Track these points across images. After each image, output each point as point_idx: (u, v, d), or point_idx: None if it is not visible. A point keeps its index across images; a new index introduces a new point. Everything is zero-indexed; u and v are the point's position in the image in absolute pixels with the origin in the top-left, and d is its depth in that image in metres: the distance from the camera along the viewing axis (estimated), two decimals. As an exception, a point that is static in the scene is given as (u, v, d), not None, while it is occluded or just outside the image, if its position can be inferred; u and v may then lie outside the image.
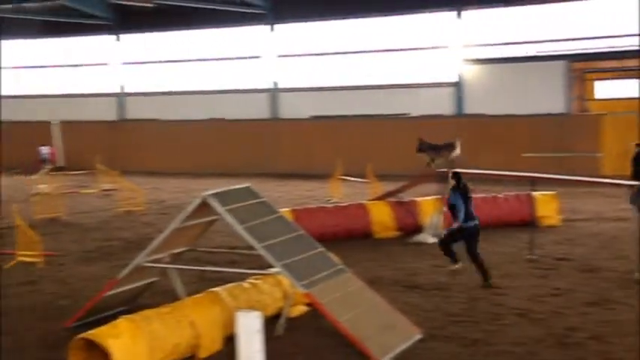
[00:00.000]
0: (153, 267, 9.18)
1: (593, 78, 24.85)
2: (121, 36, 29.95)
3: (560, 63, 24.15)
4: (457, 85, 25.54)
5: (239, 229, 8.33)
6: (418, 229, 14.46)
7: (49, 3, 28.88)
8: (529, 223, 13.44)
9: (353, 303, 8.36)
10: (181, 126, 28.31)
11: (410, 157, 25.30)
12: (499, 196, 15.72)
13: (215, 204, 8.40)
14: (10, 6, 28.65)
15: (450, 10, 25.29)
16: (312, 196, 20.82)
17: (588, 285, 10.56)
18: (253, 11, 27.07)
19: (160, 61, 29.53)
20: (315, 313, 8.93)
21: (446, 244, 11.13)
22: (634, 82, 23.88)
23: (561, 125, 23.69)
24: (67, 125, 29.60)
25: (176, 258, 9.75)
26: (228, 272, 10.89)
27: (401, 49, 26.21)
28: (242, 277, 9.97)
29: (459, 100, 25.58)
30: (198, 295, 8.71)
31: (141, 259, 8.91)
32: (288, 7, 27.03)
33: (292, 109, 27.43)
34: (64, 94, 31.03)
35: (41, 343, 8.63)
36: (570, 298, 9.92)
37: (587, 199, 19.05)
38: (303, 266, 8.42)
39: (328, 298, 8.14)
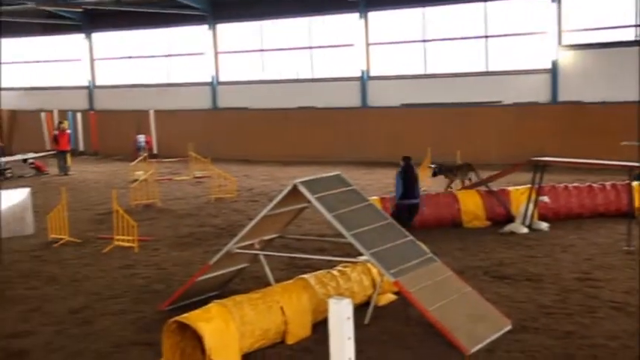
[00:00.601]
0: (243, 253, 9.29)
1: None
2: (216, 26, 30.48)
3: (661, 47, 23.01)
4: (552, 72, 24.73)
5: (328, 216, 8.31)
6: (509, 218, 14.11)
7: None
8: (627, 214, 12.87)
9: (442, 292, 8.22)
10: (271, 114, 28.60)
11: (501, 146, 24.73)
12: (594, 185, 15.15)
13: (305, 191, 8.41)
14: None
15: (544, -5, 24.49)
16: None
17: (692, 279, 10.03)
18: (345, -1, 27.06)
19: (252, 50, 29.86)
20: (403, 302, 8.85)
21: (397, 219, 10.98)
22: None
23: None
24: (161, 114, 30.38)
25: (266, 245, 9.84)
26: (317, 259, 10.99)
27: (494, 36, 25.59)
28: (331, 265, 10.00)
29: (554, 87, 24.77)
30: (287, 282, 8.76)
31: (232, 245, 9.03)
32: (378, -6, 26.87)
33: (382, 97, 27.24)
34: (160, 83, 31.83)
35: (136, 326, 8.89)
36: (672, 292, 9.46)
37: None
38: (392, 255, 8.34)
39: (417, 286, 8.04)
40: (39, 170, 25.26)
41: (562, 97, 24.83)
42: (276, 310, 7.98)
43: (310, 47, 28.64)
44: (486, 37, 25.80)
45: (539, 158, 14.10)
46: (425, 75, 26.79)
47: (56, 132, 25.82)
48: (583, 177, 18.04)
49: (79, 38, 33.60)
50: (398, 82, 27.15)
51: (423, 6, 26.42)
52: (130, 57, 32.59)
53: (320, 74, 28.52)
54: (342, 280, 8.98)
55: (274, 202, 8.73)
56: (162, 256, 12.62)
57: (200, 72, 30.81)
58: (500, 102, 25.54)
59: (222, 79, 30.50)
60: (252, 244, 9.28)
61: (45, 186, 21.74)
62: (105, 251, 12.97)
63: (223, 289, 10.03)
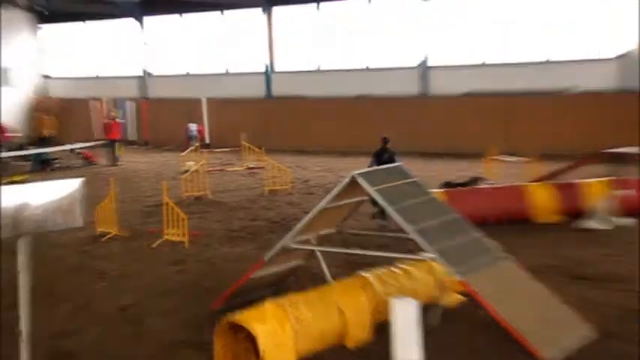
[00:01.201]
0: (299, 249, 9.15)
1: None
2: (271, 9, 30.49)
3: None
4: (621, 59, 23.98)
5: (389, 210, 8.10)
6: (584, 213, 13.63)
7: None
8: None
9: (514, 294, 7.93)
10: (328, 103, 28.48)
11: (574, 137, 24.07)
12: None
13: (364, 183, 8.22)
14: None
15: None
16: (464, 177, 20.24)
17: None
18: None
19: (309, 38, 29.78)
20: (471, 304, 8.58)
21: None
22: None
23: None
24: (214, 102, 30.55)
25: (323, 240, 9.70)
26: (377, 256, 10.79)
27: (558, 23, 24.96)
28: (392, 262, 9.80)
29: (625, 74, 23.99)
30: (346, 280, 8.59)
31: (287, 240, 8.91)
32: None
33: (443, 85, 26.85)
34: (213, 72, 32.04)
35: (187, 325, 8.84)
36: None
37: None
38: (459, 252, 8.08)
39: (487, 287, 7.76)
40: (88, 160, 25.68)
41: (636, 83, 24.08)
42: (334, 310, 7.83)
43: (369, 34, 28.42)
44: (550, 23, 25.20)
45: (614, 150, 13.60)
46: (489, 63, 26.29)
47: (106, 121, 26.19)
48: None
49: (131, 25, 34.04)
50: (460, 70, 26.73)
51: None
52: (183, 44, 32.88)
53: (378, 63, 28.28)
54: (404, 278, 8.79)
55: (332, 194, 8.56)
56: (213, 252, 12.60)
57: (254, 60, 30.90)
58: (570, 89, 24.91)
59: (277, 67, 30.51)
60: (308, 240, 9.13)
61: (93, 177, 22.06)
62: (154, 246, 13.02)
63: (278, 288, 9.93)
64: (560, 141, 23.91)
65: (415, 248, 9.08)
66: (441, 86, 26.87)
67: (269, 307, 7.49)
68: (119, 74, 34.40)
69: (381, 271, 8.93)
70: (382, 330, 7.69)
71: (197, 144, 24.78)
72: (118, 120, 26.48)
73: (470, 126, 25.62)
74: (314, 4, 29.52)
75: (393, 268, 9.03)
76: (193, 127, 29.33)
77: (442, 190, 14.38)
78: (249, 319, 7.21)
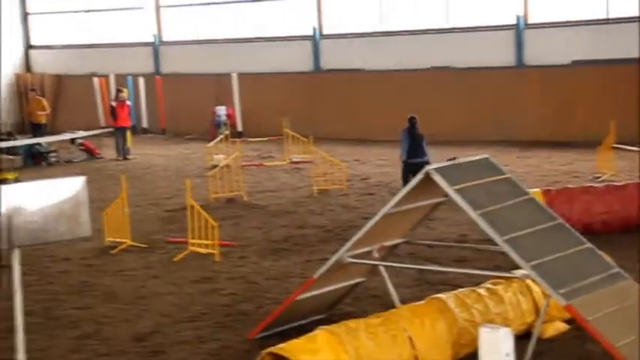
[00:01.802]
0: (358, 264, 9.31)
1: None
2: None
3: None
4: None
5: (473, 215, 8.21)
6: None
7: None
8: None
9: (633, 321, 7.97)
10: (393, 78, 28.45)
11: None
12: None
13: (441, 181, 8.34)
14: None
15: None
16: (571, 172, 20.21)
17: None
18: None
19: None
20: (578, 334, 8.64)
21: (404, 179, 16.59)
22: None
23: None
24: (247, 78, 30.76)
25: (388, 253, 9.84)
26: (457, 273, 10.89)
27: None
28: (475, 281, 9.90)
29: None
30: (417, 303, 8.73)
31: (342, 253, 9.07)
32: None
33: (544, 52, 26.63)
34: (245, 37, 32.22)
35: (218, 358, 9.09)
36: None
37: None
38: (563, 268, 8.16)
39: (598, 313, 7.83)
40: (90, 153, 26.24)
41: None
42: (402, 340, 7.98)
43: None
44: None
45: None
46: (602, 20, 25.95)
47: (113, 103, 26.70)
48: None
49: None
50: (566, 31, 26.40)
51: None
52: (206, 3, 33.18)
53: (457, 21, 28.12)
54: (491, 301, 8.88)
55: (399, 195, 8.70)
56: (250, 267, 12.85)
57: (297, 22, 30.96)
58: None
59: (326, 29, 30.59)
60: (369, 252, 9.29)
61: (99, 174, 22.57)
62: (177, 259, 13.34)
63: (331, 312, 10.11)
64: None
65: (505, 264, 9.17)
66: (541, 53, 26.61)
67: (321, 335, 7.68)
68: (127, 41, 34.78)
69: (462, 292, 9.03)
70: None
71: (227, 132, 25.11)
72: (127, 102, 26.96)
73: (580, 104, 25.36)
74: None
75: (476, 289, 9.13)
76: (222, 110, 29.62)
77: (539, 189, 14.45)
78: (297, 350, 7.41)
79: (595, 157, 20.30)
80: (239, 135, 28.28)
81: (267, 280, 12.05)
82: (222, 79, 31.06)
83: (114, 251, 13.93)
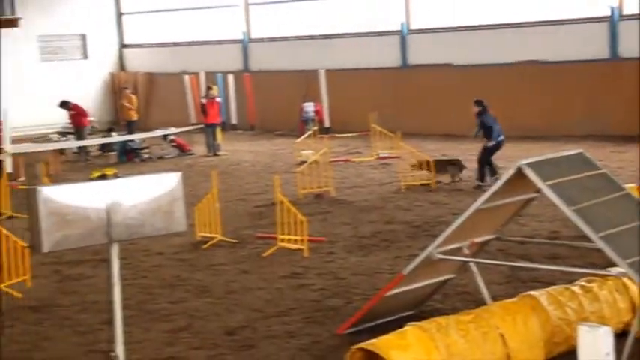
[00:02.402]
0: (448, 260, 9.25)
1: None
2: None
3: None
4: None
5: (567, 211, 8.07)
6: None
7: None
8: None
9: None
10: (480, 72, 28.19)
11: None
12: None
13: (533, 176, 8.22)
14: None
15: None
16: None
17: None
18: None
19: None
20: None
21: (486, 162, 18.30)
22: None
23: None
24: (335, 74, 30.84)
25: (478, 249, 9.75)
26: (549, 270, 10.74)
27: None
28: (569, 278, 9.74)
29: None
30: (509, 300, 8.64)
31: (432, 249, 9.02)
32: None
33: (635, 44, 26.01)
34: (332, 34, 32.32)
35: (308, 353, 9.14)
36: None
37: None
38: (661, 266, 7.95)
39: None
40: (181, 149, 26.63)
41: None
42: (494, 338, 7.90)
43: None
44: None
45: None
46: None
47: (203, 100, 27.05)
48: None
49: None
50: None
51: None
52: (294, 0, 33.32)
53: (545, 14, 27.67)
54: (586, 299, 8.74)
55: (491, 191, 8.61)
56: (339, 262, 12.88)
57: (385, 17, 30.90)
58: None
59: (414, 24, 30.46)
60: (459, 249, 9.22)
61: (190, 170, 22.90)
62: (266, 254, 13.45)
63: (421, 308, 10.07)
64: None
65: (600, 261, 9.00)
66: (634, 46, 25.99)
67: (412, 331, 7.65)
68: (217, 39, 35.18)
69: (556, 289, 8.90)
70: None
71: (315, 128, 25.20)
72: (217, 99, 27.28)
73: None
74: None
75: (570, 286, 8.99)
76: (310, 106, 29.73)
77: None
78: (388, 346, 7.39)
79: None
80: (327, 131, 28.32)
81: (356, 276, 12.06)
82: (310, 75, 31.19)
83: (205, 246, 14.11)
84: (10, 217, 16.79)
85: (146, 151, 26.31)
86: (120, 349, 6.58)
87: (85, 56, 37.22)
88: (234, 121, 33.09)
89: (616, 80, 26.03)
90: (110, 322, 6.68)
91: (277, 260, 13.09)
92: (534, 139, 24.98)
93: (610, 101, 25.97)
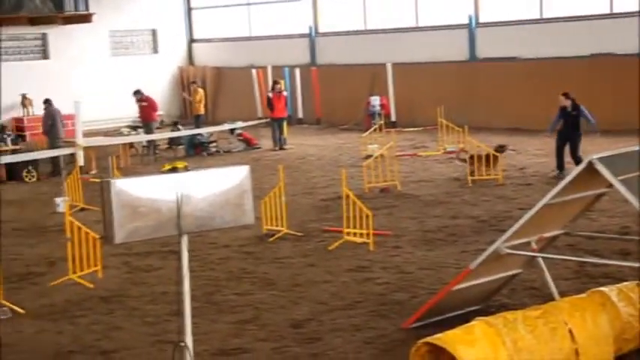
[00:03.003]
0: (515, 255, 9.17)
1: None
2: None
3: None
4: None
5: (638, 206, 7.93)
6: None
7: None
8: None
9: None
10: (551, 66, 27.81)
11: None
12: None
13: (605, 171, 8.08)
14: None
15: None
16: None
17: None
18: None
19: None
20: None
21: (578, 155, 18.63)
22: None
23: None
24: (401, 68, 30.74)
25: (546, 244, 9.66)
26: (619, 266, 10.57)
27: None
28: (638, 275, 9.58)
29: None
30: (578, 296, 8.53)
31: (499, 244, 8.95)
32: None
33: None
34: (399, 27, 32.20)
35: (373, 346, 9.15)
36: None
37: None
38: None
39: None
40: (248, 143, 26.80)
41: None
42: (562, 334, 7.80)
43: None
44: None
45: None
46: None
47: (270, 94, 27.18)
48: None
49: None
50: None
51: None
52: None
53: (616, 9, 27.21)
54: (657, 296, 8.57)
55: (560, 185, 8.50)
56: (404, 257, 12.85)
57: (453, 10, 30.70)
58: None
59: (482, 18, 30.21)
60: (528, 244, 9.14)
61: (257, 163, 23.03)
62: (332, 248, 13.47)
63: (487, 303, 10.00)
64: None
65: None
66: None
67: (478, 326, 7.59)
68: (284, 33, 35.34)
69: (626, 286, 8.76)
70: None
71: (381, 122, 25.15)
72: (284, 93, 27.39)
73: None
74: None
75: (641, 283, 8.83)
76: (376, 100, 29.70)
77: None
78: (454, 341, 7.35)
79: None
80: (393, 125, 28.30)
81: (421, 270, 12.03)
82: (377, 69, 31.15)
83: (271, 239, 14.19)
84: (82, 209, 17.11)
85: (214, 144, 26.54)
86: (188, 339, 6.66)
87: (155, 51, 37.68)
88: (300, 115, 33.22)
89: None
90: (178, 313, 6.76)
91: (343, 254, 13.10)
92: (605, 133, 24.54)
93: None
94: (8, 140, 24.80)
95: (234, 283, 11.89)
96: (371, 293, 11.04)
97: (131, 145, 26.00)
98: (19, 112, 32.53)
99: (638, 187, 8.02)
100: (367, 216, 13.39)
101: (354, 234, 13.67)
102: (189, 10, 38.72)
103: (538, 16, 28.95)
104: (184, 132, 26.87)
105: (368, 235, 13.42)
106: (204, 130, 27.12)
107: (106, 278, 12.28)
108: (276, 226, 14.46)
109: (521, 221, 8.84)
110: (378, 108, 29.32)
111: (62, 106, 24.12)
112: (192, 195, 6.70)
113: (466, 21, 30.26)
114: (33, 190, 20.91)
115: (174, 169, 19.85)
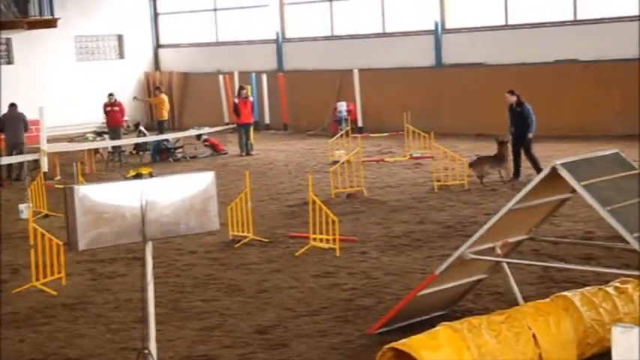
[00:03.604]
0: (480, 260, 9.21)
1: None
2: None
3: None
4: None
5: (601, 211, 8.01)
6: None
7: None
8: None
9: None
10: (517, 72, 27.98)
11: None
12: None
13: (568, 176, 8.16)
14: None
15: None
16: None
17: None
18: None
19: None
20: None
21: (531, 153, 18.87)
22: None
23: None
24: (368, 74, 30.77)
25: (511, 249, 9.70)
26: (583, 271, 10.66)
27: None
28: (602, 280, 9.66)
29: None
30: (542, 301, 8.59)
31: (465, 249, 8.99)
32: None
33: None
34: (366, 33, 32.25)
35: (339, 352, 9.14)
36: None
37: None
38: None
39: None
40: (215, 149, 26.71)
41: None
42: (526, 338, 7.86)
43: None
44: None
45: None
46: None
47: (236, 100, 27.11)
48: None
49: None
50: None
51: None
52: (328, 0, 33.29)
53: (584, 13, 27.45)
54: (620, 300, 8.66)
55: (524, 191, 8.56)
56: (371, 262, 12.85)
57: (419, 17, 30.79)
58: None
59: (448, 25, 30.34)
60: (492, 249, 9.18)
61: (223, 169, 22.97)
62: (298, 254, 13.45)
63: (452, 308, 10.03)
64: None
65: (635, 262, 8.89)
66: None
67: (443, 331, 7.62)
68: (250, 39, 35.23)
69: (589, 290, 8.82)
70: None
71: (347, 127, 25.20)
72: (250, 98, 27.34)
73: None
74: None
75: (604, 287, 8.91)
76: (343, 106, 29.74)
77: None
78: (419, 346, 7.37)
79: None
80: (360, 131, 28.31)
81: (388, 276, 12.03)
82: (344, 75, 31.19)
83: (237, 245, 14.14)
84: (46, 216, 16.96)
85: (180, 150, 26.43)
86: (152, 346, 6.63)
87: (121, 56, 37.43)
88: (267, 120, 33.14)
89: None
90: (143, 320, 6.73)
91: (309, 259, 13.08)
92: (570, 138, 24.81)
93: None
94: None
95: (199, 289, 11.84)
96: (337, 299, 11.04)
97: (96, 150, 25.79)
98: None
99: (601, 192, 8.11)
100: (333, 221, 13.39)
101: (321, 240, 13.65)
102: (155, 15, 38.51)
103: (504, 23, 29.15)
104: (150, 137, 26.73)
105: (334, 240, 13.41)
106: (170, 136, 27.01)
107: (70, 285, 12.17)
108: (243, 232, 14.41)
109: (486, 226, 8.89)
110: (344, 114, 29.35)
111: (27, 112, 23.85)
112: (156, 201, 6.68)
113: (432, 27, 30.38)
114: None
115: (138, 176, 19.70)
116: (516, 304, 8.89)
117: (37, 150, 22.15)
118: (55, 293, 11.76)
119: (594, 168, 8.44)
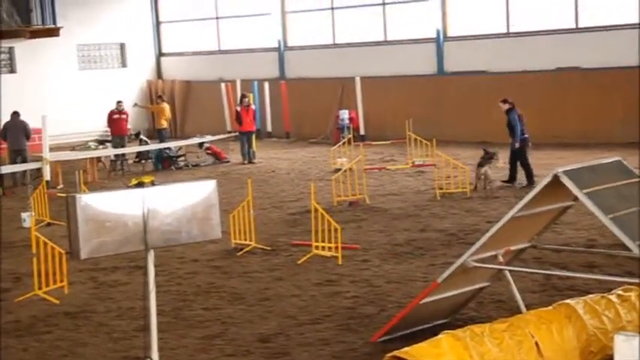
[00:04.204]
0: (483, 268, 9.20)
1: None
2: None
3: None
4: None
5: (604, 219, 8.00)
6: None
7: None
8: None
9: None
10: (518, 80, 28.02)
11: None
12: None
13: (570, 184, 8.15)
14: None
15: None
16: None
17: None
18: None
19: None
20: None
21: (522, 161, 19.14)
22: None
23: None
24: (370, 82, 30.82)
25: (513, 257, 9.70)
26: (585, 279, 10.65)
27: None
28: (605, 287, 9.65)
29: None
30: (544, 309, 8.58)
31: (466, 257, 8.98)
32: None
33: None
34: (368, 41, 32.31)
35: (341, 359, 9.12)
36: None
37: None
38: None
39: None
40: (217, 157, 26.73)
41: None
42: (529, 346, 7.85)
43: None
44: None
45: None
46: None
47: (238, 108, 27.13)
48: None
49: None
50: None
51: None
52: (330, 8, 33.34)
53: (584, 23, 27.48)
54: (623, 309, 8.66)
55: (527, 198, 8.56)
56: (373, 270, 12.85)
57: (421, 25, 30.82)
58: None
59: (450, 33, 30.37)
60: (494, 257, 9.17)
61: (225, 177, 22.98)
62: (300, 262, 13.45)
63: (455, 317, 10.02)
64: None
65: (638, 270, 8.89)
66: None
67: (446, 340, 7.61)
68: (252, 47, 35.29)
69: (592, 298, 8.81)
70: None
71: (349, 135, 25.20)
72: (252, 107, 27.36)
73: None
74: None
75: (607, 295, 8.91)
76: (345, 114, 29.75)
77: None
78: (422, 354, 7.36)
79: None
80: (362, 138, 28.33)
81: (390, 284, 12.03)
82: (346, 82, 31.22)
83: (239, 253, 14.14)
84: (49, 224, 16.96)
85: (182, 158, 26.45)
86: (155, 355, 6.62)
87: (124, 65, 37.47)
88: (269, 128, 33.15)
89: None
90: (145, 328, 6.72)
91: (311, 268, 13.08)
92: (572, 146, 24.81)
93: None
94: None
95: (202, 297, 11.83)
96: (339, 307, 11.03)
97: (99, 159, 25.81)
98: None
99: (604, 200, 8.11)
100: (336, 230, 13.39)
101: (323, 248, 13.65)
102: (157, 23, 38.58)
103: (505, 31, 29.17)
104: (153, 146, 26.75)
105: (336, 248, 13.41)
106: (173, 144, 27.03)
107: (72, 294, 12.17)
108: (245, 240, 14.41)
109: (488, 234, 8.88)
110: (346, 122, 29.37)
111: (30, 121, 23.90)
112: (158, 210, 6.68)
113: (434, 35, 30.41)
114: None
115: (140, 184, 19.70)
116: (519, 312, 8.88)
117: (40, 158, 22.17)
118: (57, 302, 11.76)
119: (596, 176, 8.44)
